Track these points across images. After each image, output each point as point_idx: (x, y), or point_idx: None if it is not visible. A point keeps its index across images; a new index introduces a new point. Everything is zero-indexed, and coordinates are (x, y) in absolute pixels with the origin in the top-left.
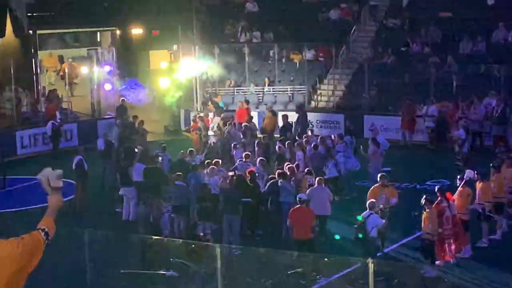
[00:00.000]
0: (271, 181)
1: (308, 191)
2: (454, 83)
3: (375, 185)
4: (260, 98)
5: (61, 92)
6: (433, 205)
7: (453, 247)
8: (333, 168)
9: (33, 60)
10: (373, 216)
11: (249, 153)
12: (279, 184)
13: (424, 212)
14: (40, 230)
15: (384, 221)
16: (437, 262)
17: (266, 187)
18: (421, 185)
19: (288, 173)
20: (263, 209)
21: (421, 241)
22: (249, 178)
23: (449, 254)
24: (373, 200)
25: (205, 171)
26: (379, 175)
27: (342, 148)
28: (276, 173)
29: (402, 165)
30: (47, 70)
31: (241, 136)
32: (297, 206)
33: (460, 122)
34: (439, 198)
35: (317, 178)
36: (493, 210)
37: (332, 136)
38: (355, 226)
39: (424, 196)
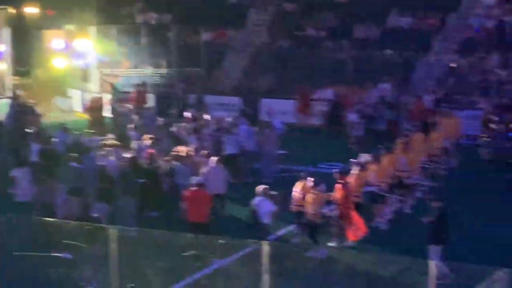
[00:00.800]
0: (167, 163)
1: (205, 171)
2: (348, 68)
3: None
4: (157, 80)
5: None
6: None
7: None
8: (232, 145)
9: None
10: (265, 201)
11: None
12: (174, 166)
13: (309, 195)
14: None
15: (276, 207)
16: (330, 244)
17: (162, 169)
18: (315, 168)
19: (184, 155)
20: (158, 191)
21: (306, 222)
22: (148, 160)
23: (351, 234)
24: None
25: (101, 153)
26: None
27: (245, 129)
28: (172, 155)
29: (297, 148)
30: None
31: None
32: (193, 188)
33: (354, 107)
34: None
35: (216, 158)
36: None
37: (229, 119)
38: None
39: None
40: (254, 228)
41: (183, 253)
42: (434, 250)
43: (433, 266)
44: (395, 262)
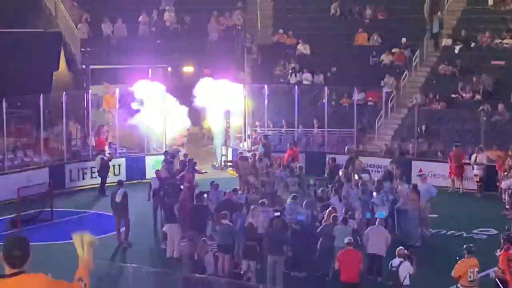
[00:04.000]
0: (325, 223)
1: (366, 230)
2: (504, 131)
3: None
4: (309, 139)
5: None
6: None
7: None
8: (382, 206)
9: (85, 94)
10: (404, 263)
11: (296, 194)
12: (334, 228)
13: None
14: (80, 281)
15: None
16: None
17: (319, 230)
18: (468, 233)
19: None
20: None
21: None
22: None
23: None
24: (401, 247)
25: (250, 211)
26: None
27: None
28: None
29: (449, 212)
30: (107, 111)
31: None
32: (346, 248)
33: (510, 172)
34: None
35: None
36: None
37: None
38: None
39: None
40: None
41: None
42: None
43: None
44: None
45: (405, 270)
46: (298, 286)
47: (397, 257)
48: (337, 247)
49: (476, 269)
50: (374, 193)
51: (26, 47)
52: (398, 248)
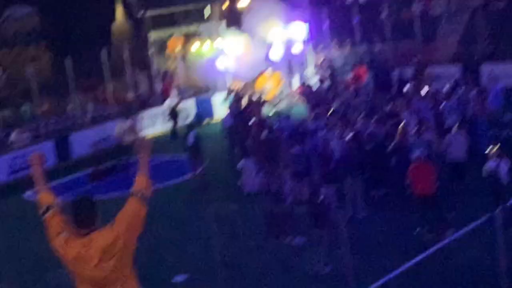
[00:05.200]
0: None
1: (446, 139)
2: None
3: None
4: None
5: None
6: None
7: None
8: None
9: (146, 41)
10: (501, 162)
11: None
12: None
13: None
14: (134, 196)
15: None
16: None
17: (393, 145)
18: None
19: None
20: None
21: None
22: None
23: None
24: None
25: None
26: None
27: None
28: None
29: None
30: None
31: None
32: (417, 161)
33: None
34: None
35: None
36: None
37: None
38: None
39: None
40: (495, 193)
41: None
42: None
43: None
44: None
45: (504, 169)
46: (379, 205)
47: (490, 159)
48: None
49: None
50: (444, 102)
51: (80, 3)
52: (489, 150)
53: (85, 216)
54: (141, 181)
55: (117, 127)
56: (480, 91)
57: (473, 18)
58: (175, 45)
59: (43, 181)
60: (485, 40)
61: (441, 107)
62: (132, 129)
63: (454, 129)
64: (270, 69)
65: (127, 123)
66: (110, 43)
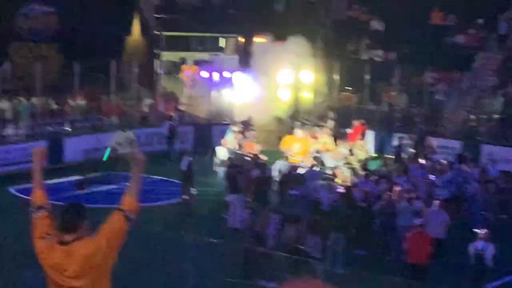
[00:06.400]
0: (387, 201)
1: (425, 213)
2: None
3: None
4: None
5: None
6: None
7: None
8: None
9: (157, 60)
10: (489, 245)
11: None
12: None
13: None
14: (120, 211)
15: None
16: None
17: (380, 207)
18: None
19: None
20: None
21: None
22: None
23: None
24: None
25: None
26: None
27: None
28: (397, 194)
29: None
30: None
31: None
32: (416, 230)
33: None
34: None
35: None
36: None
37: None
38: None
39: None
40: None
41: None
42: None
43: None
44: None
45: (490, 252)
46: (358, 264)
47: (479, 240)
48: (400, 225)
49: None
50: (439, 175)
51: (99, 10)
52: (479, 231)
53: (71, 223)
54: (128, 202)
55: (114, 137)
56: (483, 170)
57: (483, 98)
58: (188, 70)
59: (41, 178)
60: (490, 122)
61: (436, 179)
62: (129, 142)
63: (435, 204)
64: (299, 130)
65: (125, 135)
66: (121, 56)
